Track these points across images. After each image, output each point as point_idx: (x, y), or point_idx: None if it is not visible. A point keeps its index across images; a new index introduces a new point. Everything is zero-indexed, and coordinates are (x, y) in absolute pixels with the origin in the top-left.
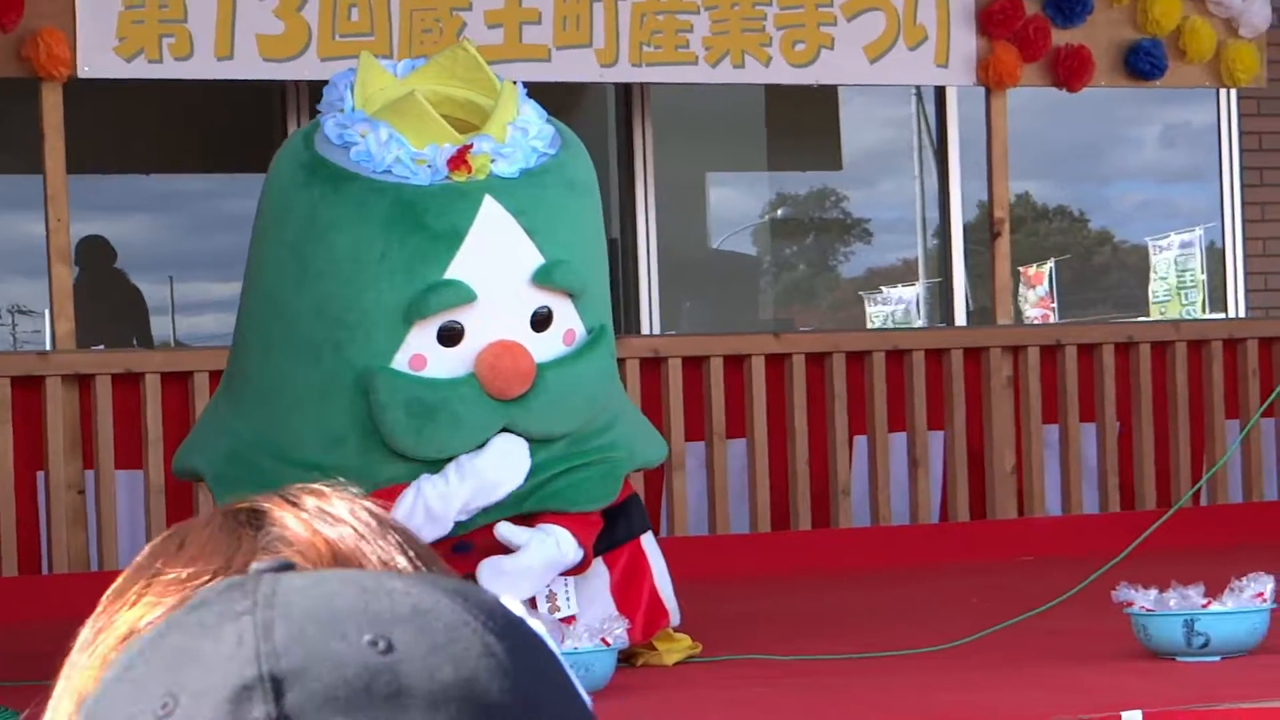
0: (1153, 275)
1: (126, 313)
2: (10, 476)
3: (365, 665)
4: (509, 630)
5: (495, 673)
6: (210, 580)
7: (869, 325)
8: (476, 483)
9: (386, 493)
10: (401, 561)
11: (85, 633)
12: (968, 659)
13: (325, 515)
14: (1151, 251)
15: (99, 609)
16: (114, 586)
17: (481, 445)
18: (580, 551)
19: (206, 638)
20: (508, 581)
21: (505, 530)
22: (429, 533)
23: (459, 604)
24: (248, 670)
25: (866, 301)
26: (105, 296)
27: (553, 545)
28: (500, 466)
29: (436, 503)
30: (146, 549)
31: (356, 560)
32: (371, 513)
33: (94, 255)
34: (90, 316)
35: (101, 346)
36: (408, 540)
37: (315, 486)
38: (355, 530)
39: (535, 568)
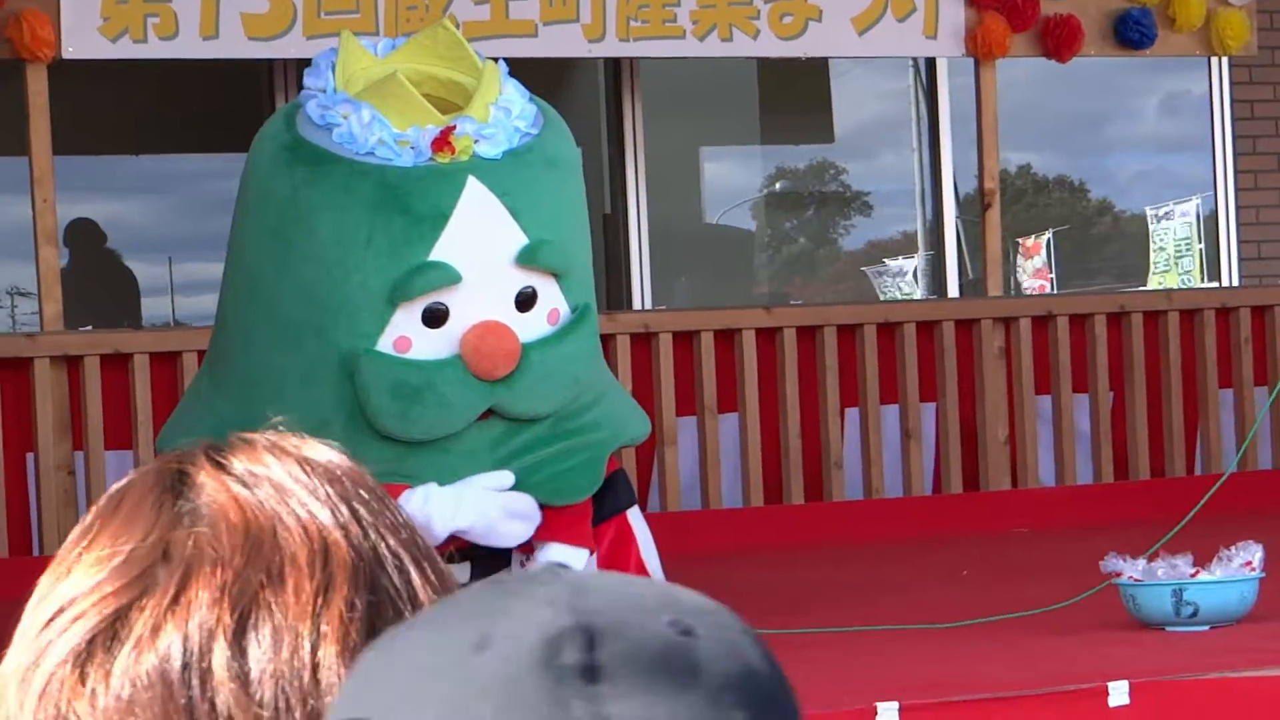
0: (1152, 245)
1: (118, 294)
2: (0, 458)
3: (666, 640)
4: (765, 645)
5: (768, 675)
6: (125, 560)
7: (881, 298)
8: (484, 524)
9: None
10: (325, 518)
11: (36, 592)
12: (956, 631)
13: (250, 476)
14: (1150, 221)
15: (50, 568)
16: (68, 540)
17: (466, 427)
18: (584, 551)
19: (515, 598)
20: None
21: None
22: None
23: (731, 615)
24: (562, 620)
25: (871, 276)
26: (96, 278)
27: (572, 564)
28: (445, 514)
29: (439, 522)
30: (99, 501)
31: (271, 525)
32: (307, 465)
33: (83, 238)
34: (81, 299)
35: (90, 327)
36: (348, 495)
37: (252, 438)
38: (277, 489)
39: None
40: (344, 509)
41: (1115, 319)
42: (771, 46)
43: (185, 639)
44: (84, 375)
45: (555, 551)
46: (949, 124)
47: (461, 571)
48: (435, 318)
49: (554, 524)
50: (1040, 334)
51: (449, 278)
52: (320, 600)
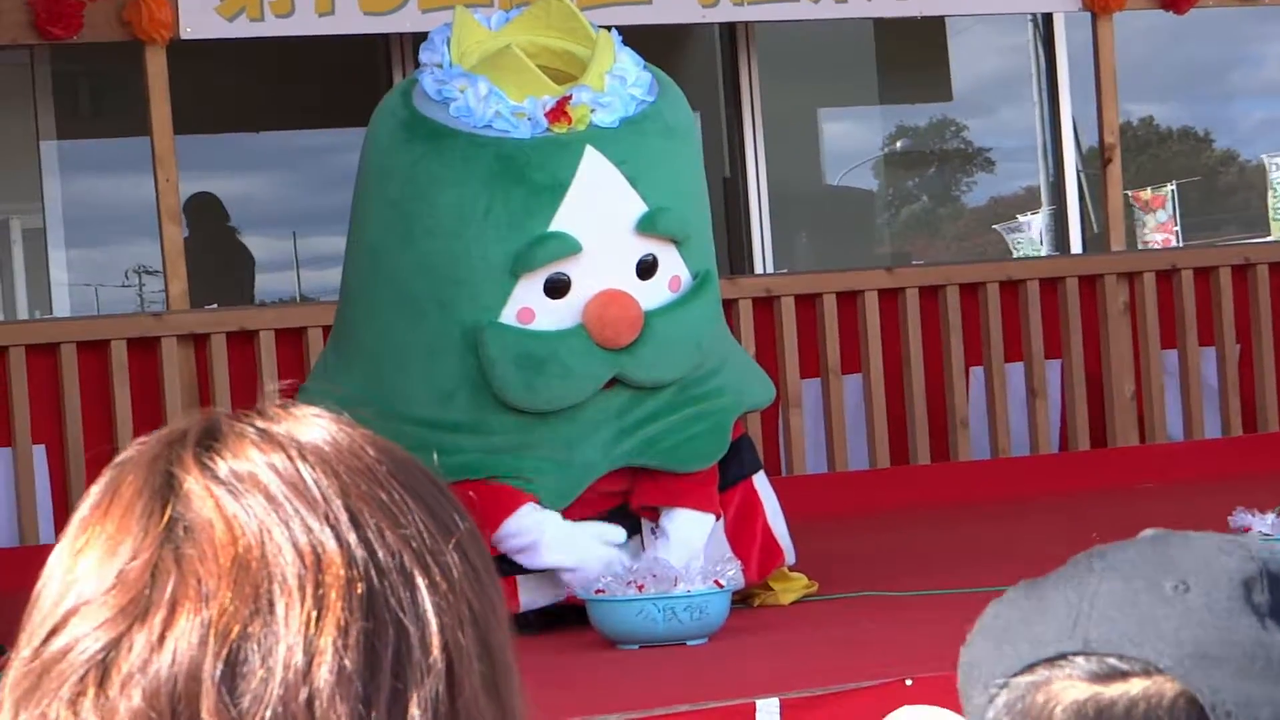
0: (1271, 193)
1: (235, 270)
2: (130, 438)
3: None
4: None
5: None
6: (115, 584)
7: (1014, 254)
8: (564, 565)
9: (509, 496)
10: (318, 526)
11: (46, 580)
12: None
13: (237, 481)
14: (1269, 169)
15: (54, 556)
16: (69, 530)
17: (590, 397)
18: (709, 517)
19: (1186, 548)
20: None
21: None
22: (524, 560)
23: None
24: (1249, 567)
25: (1003, 232)
26: (215, 254)
27: (699, 530)
28: (553, 551)
29: (548, 553)
30: (91, 492)
31: (260, 544)
32: (301, 457)
33: (203, 213)
34: (200, 274)
35: (215, 305)
36: (345, 490)
37: (241, 427)
38: (267, 495)
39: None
40: (339, 509)
41: (1240, 271)
42: (886, 6)
43: (173, 680)
44: (211, 353)
45: (681, 517)
46: (1068, 78)
47: None
48: (557, 288)
49: (680, 490)
50: (1165, 288)
51: (569, 248)
52: (313, 628)
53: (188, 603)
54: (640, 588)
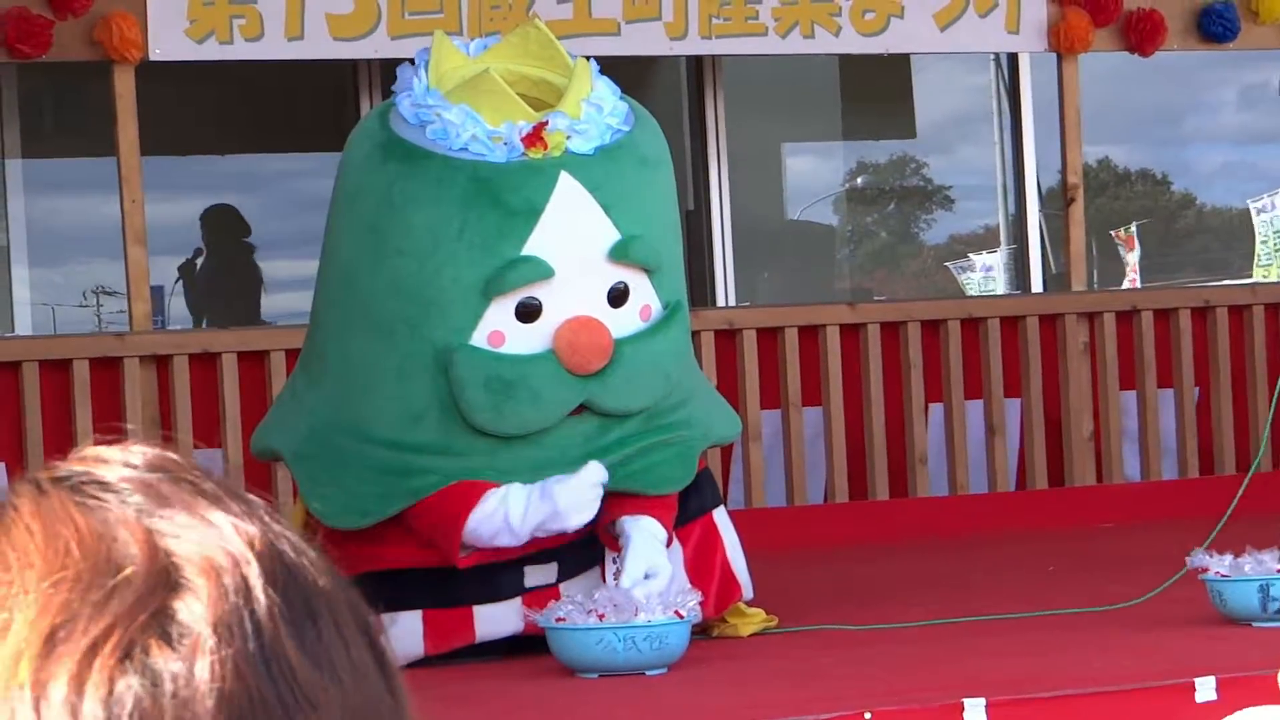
0: (1257, 237)
1: (251, 289)
2: None
3: None
4: None
5: None
6: None
7: (966, 294)
8: (551, 509)
9: (472, 487)
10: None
11: None
12: (1042, 626)
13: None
14: (1253, 214)
15: None
16: None
17: (558, 422)
18: (665, 533)
19: None
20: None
21: (635, 588)
22: (504, 540)
23: None
24: None
25: (955, 271)
26: (233, 272)
27: (657, 542)
28: (577, 500)
29: (515, 518)
30: None
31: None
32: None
33: (221, 229)
34: (219, 294)
35: (178, 327)
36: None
37: (55, 475)
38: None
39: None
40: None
41: (1200, 313)
42: (854, 43)
43: None
44: (173, 375)
45: (646, 524)
46: (1031, 118)
47: (548, 572)
48: (528, 313)
49: (643, 505)
50: (1125, 329)
51: (542, 272)
52: None
53: None
54: (601, 617)
